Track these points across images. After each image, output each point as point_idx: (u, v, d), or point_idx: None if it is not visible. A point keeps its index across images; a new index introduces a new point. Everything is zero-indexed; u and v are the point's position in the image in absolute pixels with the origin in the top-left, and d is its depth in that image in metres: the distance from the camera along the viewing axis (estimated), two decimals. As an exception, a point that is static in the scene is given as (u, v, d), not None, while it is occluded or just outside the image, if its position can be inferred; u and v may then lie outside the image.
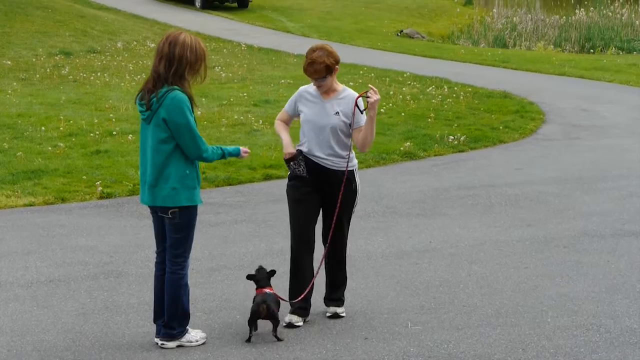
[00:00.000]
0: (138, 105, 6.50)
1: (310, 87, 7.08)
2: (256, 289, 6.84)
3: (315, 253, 7.18)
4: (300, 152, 7.02)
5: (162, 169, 6.39)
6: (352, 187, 7.12)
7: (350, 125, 7.02)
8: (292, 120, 7.25)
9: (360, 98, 6.99)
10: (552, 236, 9.50)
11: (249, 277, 6.94)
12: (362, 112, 6.98)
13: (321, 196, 7.09)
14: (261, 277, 6.90)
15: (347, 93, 7.06)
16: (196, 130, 6.37)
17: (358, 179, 7.18)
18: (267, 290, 6.79)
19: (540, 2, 45.04)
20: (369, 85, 7.02)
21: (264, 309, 6.63)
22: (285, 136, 7.12)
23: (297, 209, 7.09)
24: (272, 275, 6.94)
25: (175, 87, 6.34)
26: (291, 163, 7.01)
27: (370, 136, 7.01)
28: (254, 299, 6.73)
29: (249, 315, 6.69)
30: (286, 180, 7.22)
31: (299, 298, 7.00)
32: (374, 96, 6.85)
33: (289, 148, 7.03)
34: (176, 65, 6.34)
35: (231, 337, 6.78)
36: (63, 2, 29.90)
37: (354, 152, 7.13)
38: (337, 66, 6.97)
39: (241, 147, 6.73)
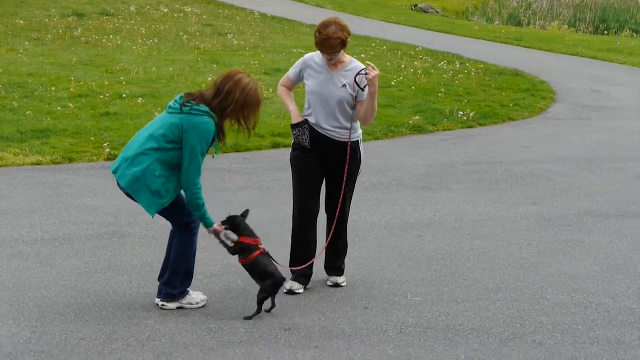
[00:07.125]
0: (175, 100, 6.35)
1: (316, 56, 7.03)
2: (246, 237, 6.54)
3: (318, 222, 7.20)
4: (306, 120, 7.02)
5: (143, 152, 6.26)
6: (357, 156, 7.13)
7: (355, 97, 7.02)
8: (295, 86, 7.21)
9: (360, 75, 6.94)
10: (557, 214, 9.50)
11: (228, 222, 6.58)
12: (362, 90, 6.96)
13: (325, 166, 7.09)
14: (242, 223, 6.60)
15: (353, 65, 7.01)
16: (200, 162, 6.26)
17: (362, 149, 7.19)
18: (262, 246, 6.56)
19: (557, -19, 44.72)
20: (367, 62, 6.99)
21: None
22: (292, 106, 7.07)
23: (301, 179, 7.09)
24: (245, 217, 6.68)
25: (213, 114, 6.27)
26: (296, 130, 7.02)
27: (371, 110, 6.99)
28: (264, 263, 6.50)
29: (271, 285, 6.46)
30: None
31: (301, 267, 7.02)
32: (372, 72, 6.83)
33: (298, 118, 7.03)
34: (221, 98, 6.27)
35: (231, 301, 6.81)
36: (78, -36, 29.85)
37: (358, 123, 7.12)
38: (348, 38, 6.96)
39: (216, 225, 6.52)
